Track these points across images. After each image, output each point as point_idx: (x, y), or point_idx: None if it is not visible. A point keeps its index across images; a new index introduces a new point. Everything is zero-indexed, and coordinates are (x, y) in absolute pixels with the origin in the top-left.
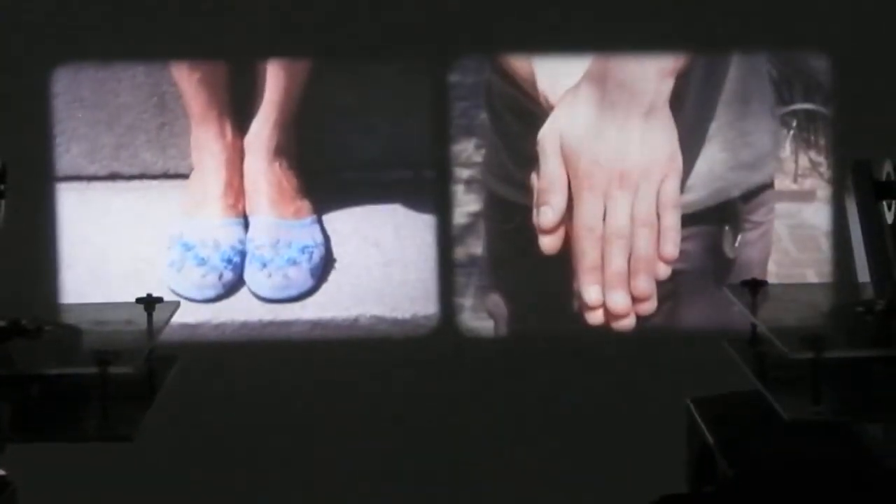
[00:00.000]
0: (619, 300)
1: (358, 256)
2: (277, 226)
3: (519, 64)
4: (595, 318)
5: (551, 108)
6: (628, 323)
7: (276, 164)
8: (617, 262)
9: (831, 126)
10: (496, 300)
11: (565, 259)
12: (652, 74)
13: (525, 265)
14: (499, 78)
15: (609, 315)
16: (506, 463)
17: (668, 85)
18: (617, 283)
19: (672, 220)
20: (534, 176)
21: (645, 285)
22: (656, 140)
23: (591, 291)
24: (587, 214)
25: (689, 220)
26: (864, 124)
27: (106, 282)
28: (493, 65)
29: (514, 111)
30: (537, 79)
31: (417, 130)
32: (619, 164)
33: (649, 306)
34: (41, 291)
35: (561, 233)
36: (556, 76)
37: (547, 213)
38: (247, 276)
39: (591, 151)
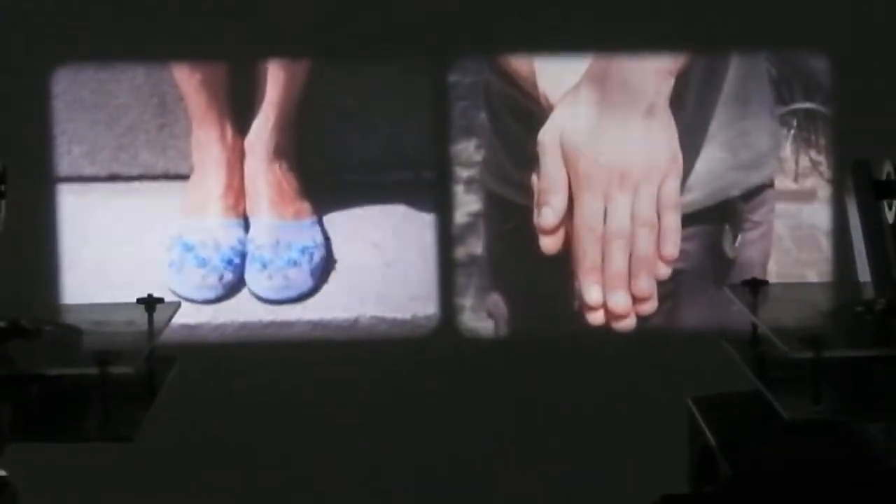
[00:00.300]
0: (619, 300)
1: (358, 257)
2: (278, 227)
3: (519, 64)
4: (596, 318)
5: (551, 107)
6: (629, 323)
7: (277, 165)
8: (617, 263)
9: (831, 126)
10: (496, 300)
11: (565, 259)
12: (652, 74)
13: (525, 265)
14: (498, 78)
15: (609, 315)
16: (506, 463)
17: (668, 85)
18: (617, 283)
19: (672, 221)
20: (534, 176)
21: (645, 285)
22: (657, 140)
23: (591, 292)
24: (587, 214)
25: (688, 219)
26: (864, 124)
27: (106, 282)
28: (492, 65)
29: (512, 111)
30: (538, 78)
31: (417, 131)
32: (619, 164)
33: (650, 306)
34: (41, 292)
35: (561, 233)
36: (557, 76)
37: (547, 214)
38: (247, 277)
39: (591, 151)
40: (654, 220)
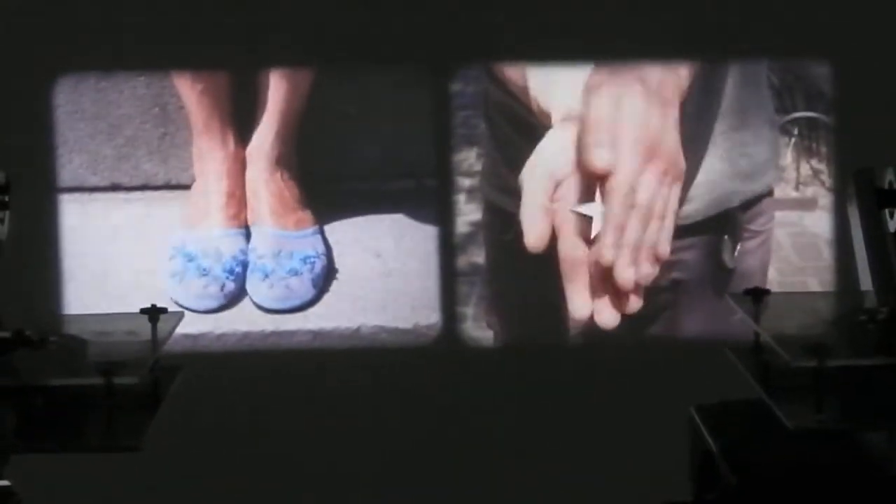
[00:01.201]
0: (627, 273)
1: (359, 266)
2: (279, 236)
3: (515, 74)
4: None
5: (543, 114)
6: (612, 319)
7: (278, 174)
8: (635, 233)
9: (833, 134)
10: (496, 309)
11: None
12: (672, 75)
13: (524, 275)
14: (495, 87)
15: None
16: (508, 471)
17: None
18: (630, 252)
19: (668, 223)
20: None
21: (647, 271)
22: (675, 140)
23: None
24: (620, 187)
25: (688, 230)
26: (866, 132)
27: (108, 292)
28: (490, 74)
29: (510, 120)
30: (529, 86)
31: (419, 140)
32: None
33: (636, 302)
34: (45, 302)
35: (547, 229)
36: (548, 83)
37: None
38: (249, 287)
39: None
40: (663, 216)
